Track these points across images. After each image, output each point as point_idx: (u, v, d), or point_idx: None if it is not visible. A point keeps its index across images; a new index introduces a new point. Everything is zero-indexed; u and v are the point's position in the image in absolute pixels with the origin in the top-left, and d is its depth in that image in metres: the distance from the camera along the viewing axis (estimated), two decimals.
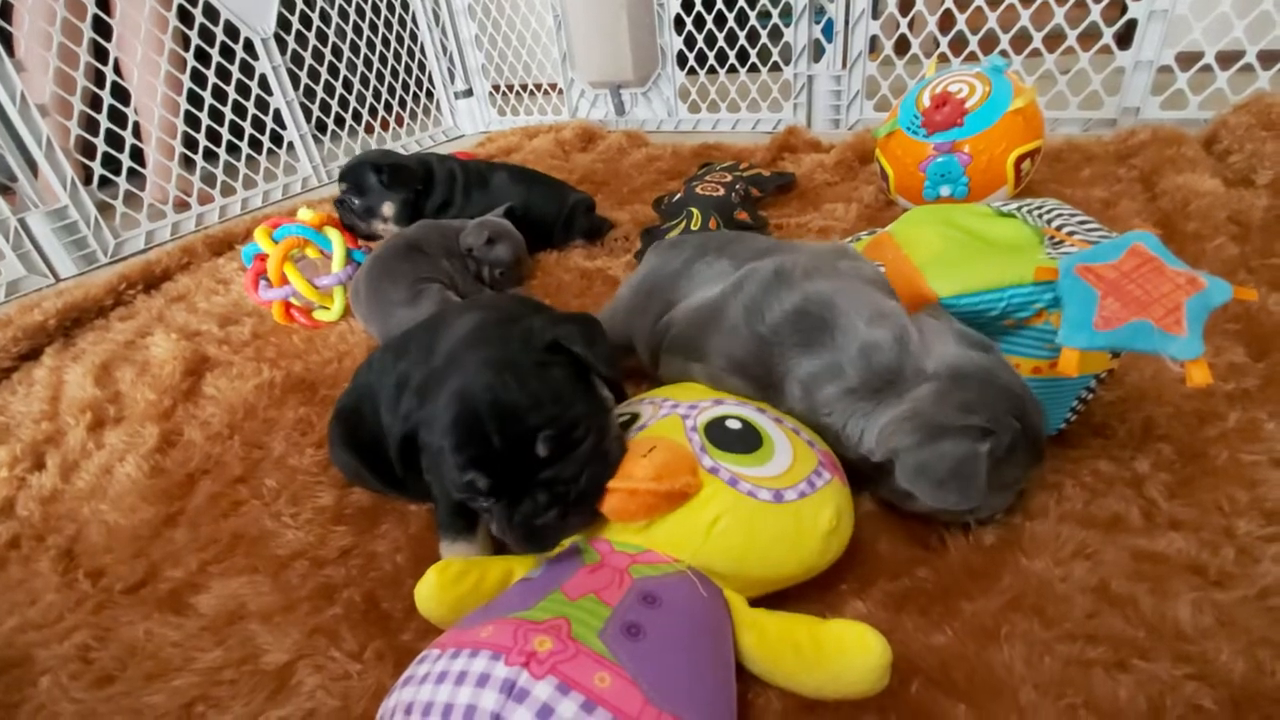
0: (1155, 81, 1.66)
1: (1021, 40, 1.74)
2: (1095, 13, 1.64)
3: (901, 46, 1.90)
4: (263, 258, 1.18)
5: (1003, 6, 1.74)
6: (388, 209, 1.38)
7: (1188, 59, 1.60)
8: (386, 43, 2.46)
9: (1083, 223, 0.66)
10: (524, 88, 2.65)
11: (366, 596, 0.66)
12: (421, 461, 0.55)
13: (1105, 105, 1.72)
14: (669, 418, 0.58)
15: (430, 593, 0.53)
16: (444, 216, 1.40)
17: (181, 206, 1.95)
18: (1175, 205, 1.17)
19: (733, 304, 0.65)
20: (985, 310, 0.61)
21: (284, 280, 1.18)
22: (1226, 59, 1.56)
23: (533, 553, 0.54)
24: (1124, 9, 1.63)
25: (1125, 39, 1.66)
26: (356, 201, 1.38)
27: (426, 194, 1.42)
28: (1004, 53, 1.73)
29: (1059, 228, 0.65)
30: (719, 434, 0.55)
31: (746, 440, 0.55)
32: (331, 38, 2.26)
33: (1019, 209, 0.70)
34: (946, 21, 1.80)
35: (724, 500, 0.51)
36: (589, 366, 0.57)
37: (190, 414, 1.00)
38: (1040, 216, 0.68)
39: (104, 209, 1.77)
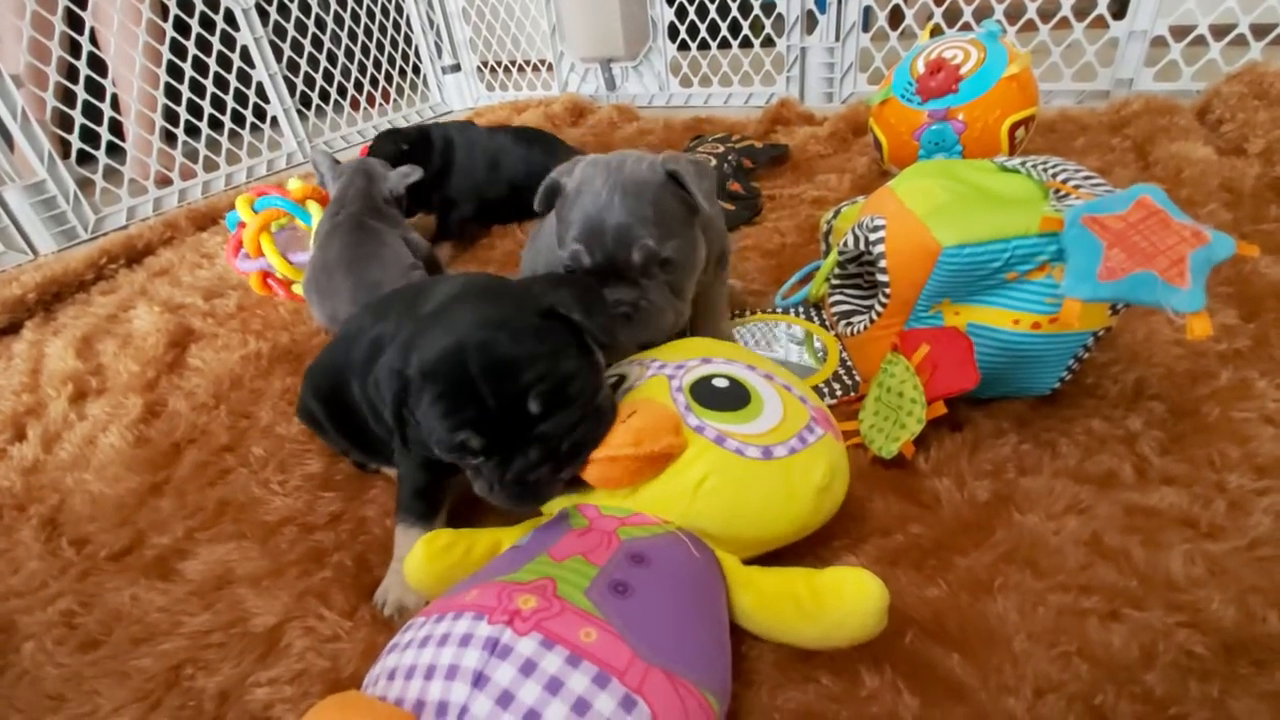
0: (1148, 54, 1.65)
1: (1015, 14, 1.72)
2: None
3: (895, 19, 1.88)
4: (244, 226, 1.16)
5: None
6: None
7: (1181, 31, 1.59)
8: (371, 15, 2.40)
9: (1087, 178, 0.65)
10: (513, 63, 2.61)
11: (357, 560, 0.65)
12: (409, 420, 0.54)
13: (1099, 77, 1.71)
14: (655, 378, 0.57)
15: (418, 564, 0.52)
16: (446, 183, 1.40)
17: (163, 182, 1.91)
18: (1168, 173, 1.17)
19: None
20: (989, 261, 0.60)
21: (260, 252, 1.16)
22: (1219, 31, 1.55)
23: (524, 508, 0.53)
24: None
25: (1119, 13, 1.64)
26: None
27: (424, 162, 1.37)
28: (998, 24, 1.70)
29: (1064, 181, 0.65)
30: (705, 393, 0.54)
31: (734, 398, 0.54)
32: (315, 9, 2.21)
33: (1022, 164, 0.69)
34: None
35: (710, 459, 0.50)
36: (585, 333, 0.55)
37: (175, 385, 0.99)
38: (1045, 171, 0.67)
39: (84, 185, 1.73)
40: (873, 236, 0.67)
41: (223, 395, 0.94)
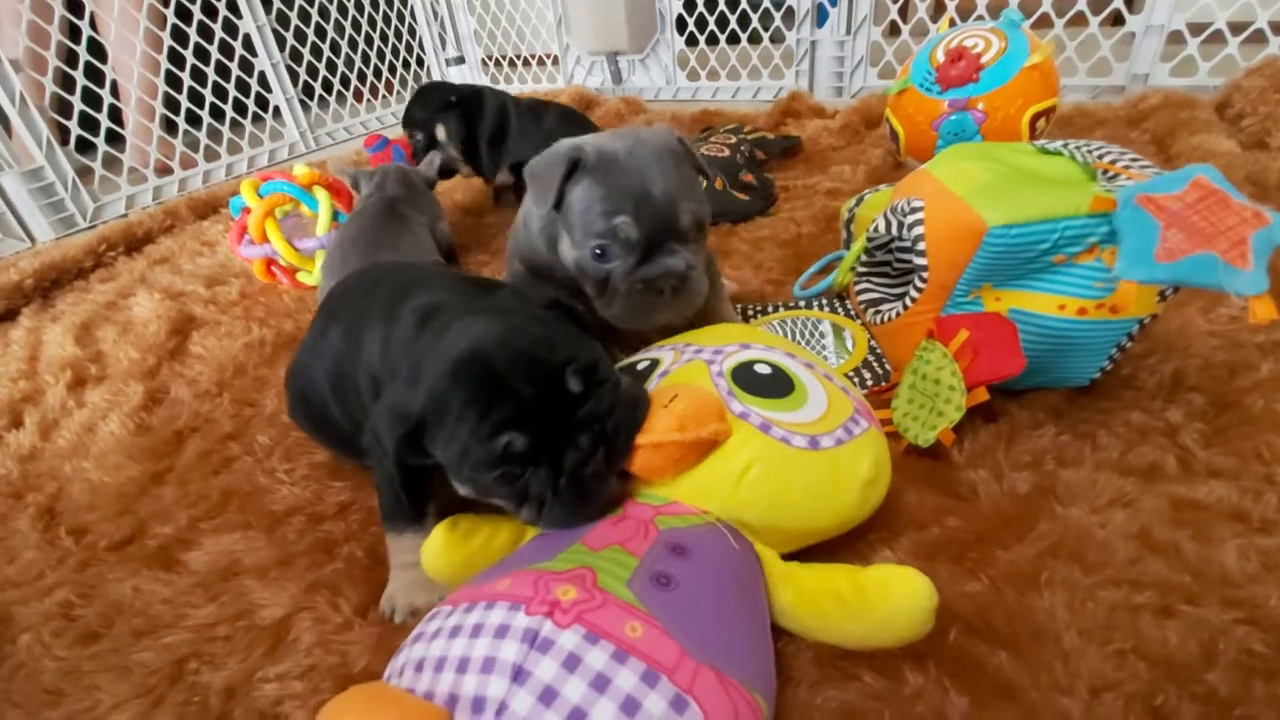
0: (1164, 50, 1.63)
1: (1029, 9, 1.70)
2: None
3: (907, 13, 1.86)
4: (249, 212, 1.13)
5: None
6: (440, 131, 1.36)
7: (1198, 28, 1.57)
8: (375, 5, 2.37)
9: (1134, 159, 0.63)
10: (518, 57, 2.58)
11: (368, 551, 0.62)
12: (434, 451, 0.48)
13: (1114, 72, 1.69)
14: (692, 363, 0.55)
15: (437, 550, 0.50)
16: (500, 148, 1.39)
17: (163, 171, 1.88)
18: None
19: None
20: (1037, 243, 0.57)
21: (265, 238, 1.13)
22: (1237, 28, 1.53)
23: (583, 521, 0.47)
24: None
25: (1130, 5, 1.62)
26: (419, 137, 1.37)
27: (475, 117, 1.39)
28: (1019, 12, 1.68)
29: (1112, 163, 0.62)
30: (747, 379, 0.52)
31: (777, 385, 0.52)
32: None
33: (1064, 145, 0.67)
34: None
35: (755, 447, 0.48)
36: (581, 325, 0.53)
37: (177, 372, 0.96)
38: (1090, 153, 0.65)
39: (83, 173, 1.70)
40: (910, 219, 0.65)
41: (226, 383, 0.92)
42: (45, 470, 0.79)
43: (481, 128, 1.39)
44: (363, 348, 0.57)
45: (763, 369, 0.52)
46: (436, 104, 1.36)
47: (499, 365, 0.45)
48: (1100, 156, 0.64)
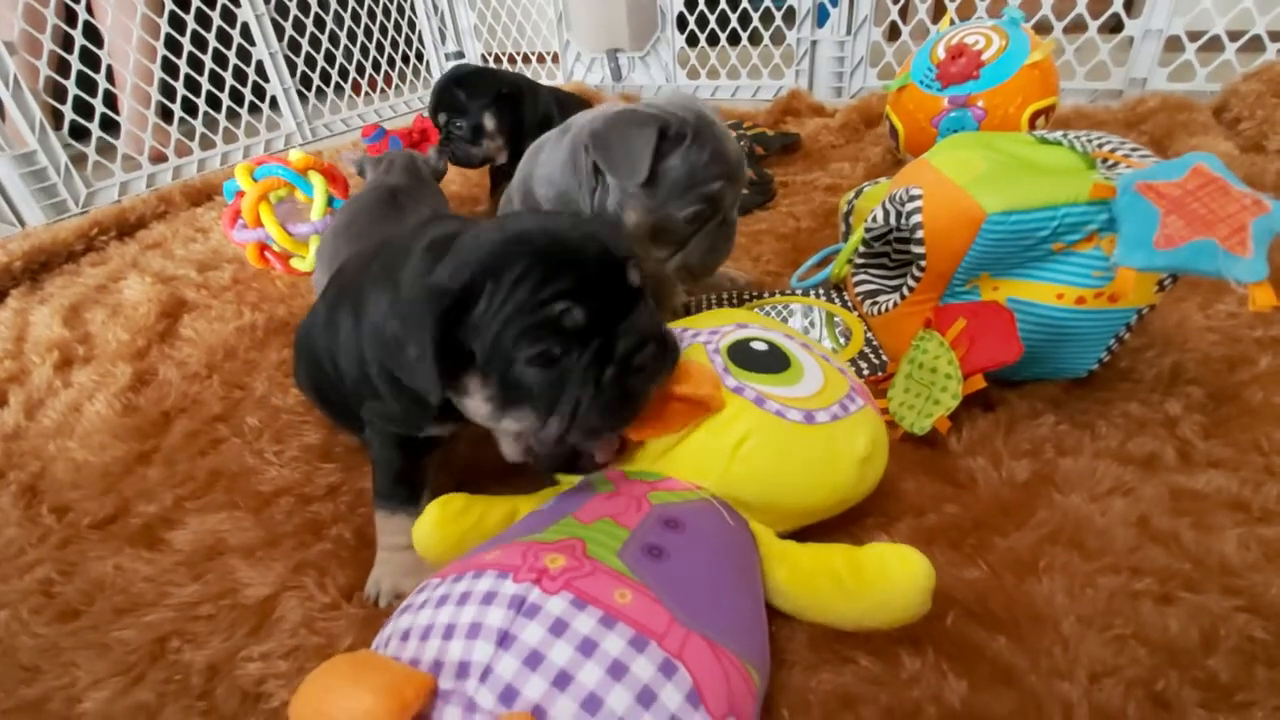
0: (1162, 56, 1.64)
1: (1028, 11, 1.71)
2: None
3: (907, 14, 1.86)
4: (243, 195, 1.12)
5: None
6: (489, 122, 1.28)
7: (1195, 34, 1.58)
8: None
9: (1134, 149, 0.63)
10: (518, 53, 2.58)
11: (356, 533, 0.61)
12: (469, 340, 0.44)
13: (1113, 76, 1.70)
14: (691, 345, 0.54)
15: (430, 528, 0.49)
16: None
17: (158, 159, 1.86)
18: None
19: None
20: (1036, 229, 0.57)
21: (259, 222, 1.12)
22: (1234, 35, 1.54)
23: (615, 425, 0.45)
24: None
25: (1129, 10, 1.63)
26: (461, 125, 1.29)
27: (520, 104, 1.32)
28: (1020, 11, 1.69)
29: (1111, 151, 0.62)
30: (743, 355, 0.51)
31: (773, 360, 0.51)
32: None
33: (1063, 136, 0.66)
34: None
35: (750, 419, 0.47)
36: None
37: (166, 354, 0.94)
38: (1090, 143, 0.65)
39: (76, 159, 1.68)
40: (908, 207, 0.65)
41: (216, 365, 0.90)
42: (29, 449, 0.78)
43: (529, 120, 1.32)
44: (367, 312, 0.54)
45: (759, 345, 0.52)
46: (489, 93, 1.28)
47: (565, 237, 0.43)
48: (1100, 145, 0.64)
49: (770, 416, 0.46)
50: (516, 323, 0.41)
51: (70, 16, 1.64)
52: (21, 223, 1.61)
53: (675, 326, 0.58)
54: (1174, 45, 1.61)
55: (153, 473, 0.72)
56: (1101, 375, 0.68)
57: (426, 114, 1.38)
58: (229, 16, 1.92)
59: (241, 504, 0.66)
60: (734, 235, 0.73)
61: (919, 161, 0.70)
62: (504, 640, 0.33)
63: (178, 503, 0.67)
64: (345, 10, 2.26)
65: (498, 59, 2.64)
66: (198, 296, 1.10)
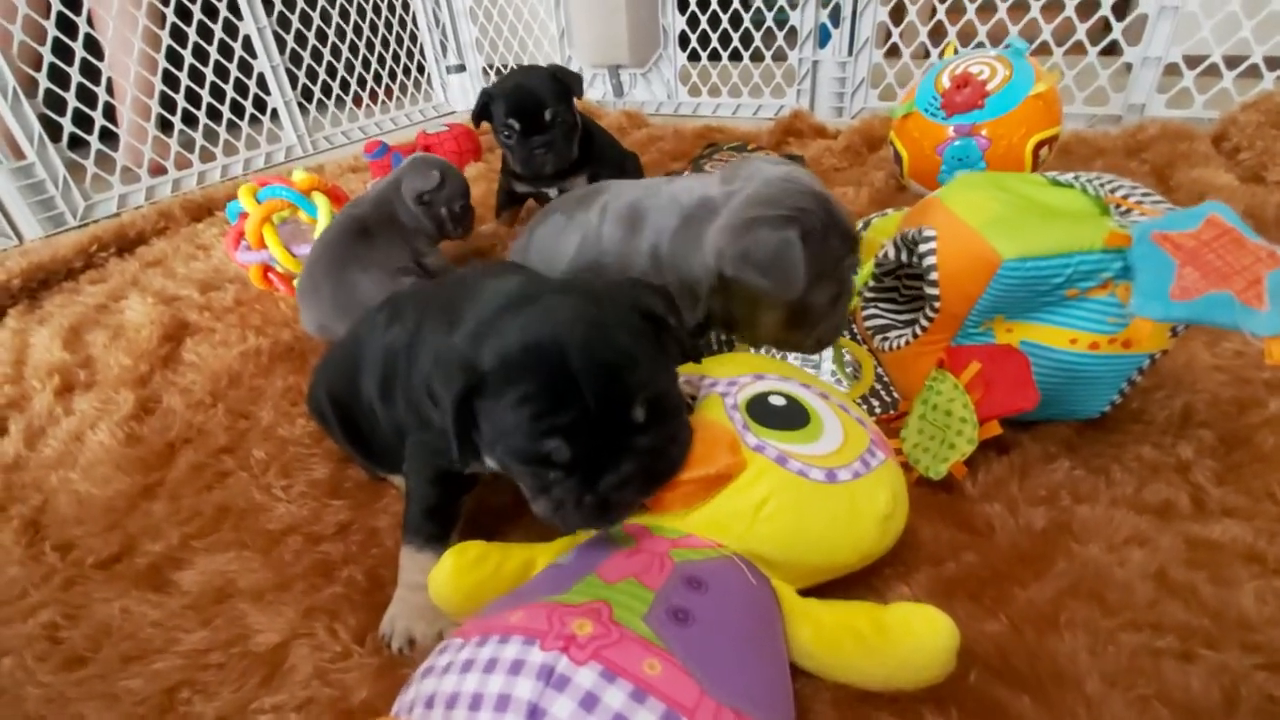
0: (1160, 82, 1.66)
1: (1029, 36, 1.72)
2: (1106, 6, 1.63)
3: (908, 37, 1.88)
4: (246, 216, 1.11)
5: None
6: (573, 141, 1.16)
7: (1194, 60, 1.60)
8: (377, 10, 2.36)
9: (1146, 194, 0.63)
10: (519, 66, 2.58)
11: (369, 575, 0.60)
12: (478, 416, 0.46)
13: (1111, 101, 1.72)
14: (708, 397, 0.54)
15: (445, 577, 0.48)
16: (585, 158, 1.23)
17: (157, 171, 1.85)
18: (1191, 199, 1.15)
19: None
20: (1050, 276, 0.57)
21: (263, 244, 1.11)
22: (1232, 62, 1.56)
23: (594, 528, 0.47)
24: (1093, 7, 1.62)
25: (1112, 42, 1.65)
26: (564, 118, 1.14)
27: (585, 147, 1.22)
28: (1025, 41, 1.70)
29: (1124, 197, 0.62)
30: (762, 411, 0.51)
31: (793, 417, 0.51)
32: (320, 1, 2.17)
33: (1075, 178, 0.67)
34: (955, 13, 1.78)
35: (772, 480, 0.47)
36: (673, 340, 0.50)
37: (169, 380, 0.93)
38: (1102, 187, 0.65)
39: (74, 170, 1.67)
40: (922, 248, 0.65)
41: (220, 393, 0.89)
42: (30, 480, 0.77)
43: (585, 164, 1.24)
44: (422, 355, 0.55)
45: (778, 400, 0.51)
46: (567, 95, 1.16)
47: (575, 364, 0.43)
48: (1113, 190, 0.64)
49: (792, 476, 0.46)
50: (512, 439, 0.44)
51: (70, 28, 1.63)
52: (18, 235, 1.59)
53: (693, 372, 0.58)
54: (1172, 70, 1.63)
55: (158, 508, 0.71)
56: (1113, 416, 0.68)
57: (468, 123, 1.32)
58: (230, 29, 1.92)
59: (250, 543, 0.65)
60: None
61: (931, 200, 0.70)
62: (534, 714, 0.32)
63: (184, 541, 0.66)
64: (347, 23, 2.26)
65: (499, 72, 2.64)
66: (200, 319, 1.09)
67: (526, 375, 0.43)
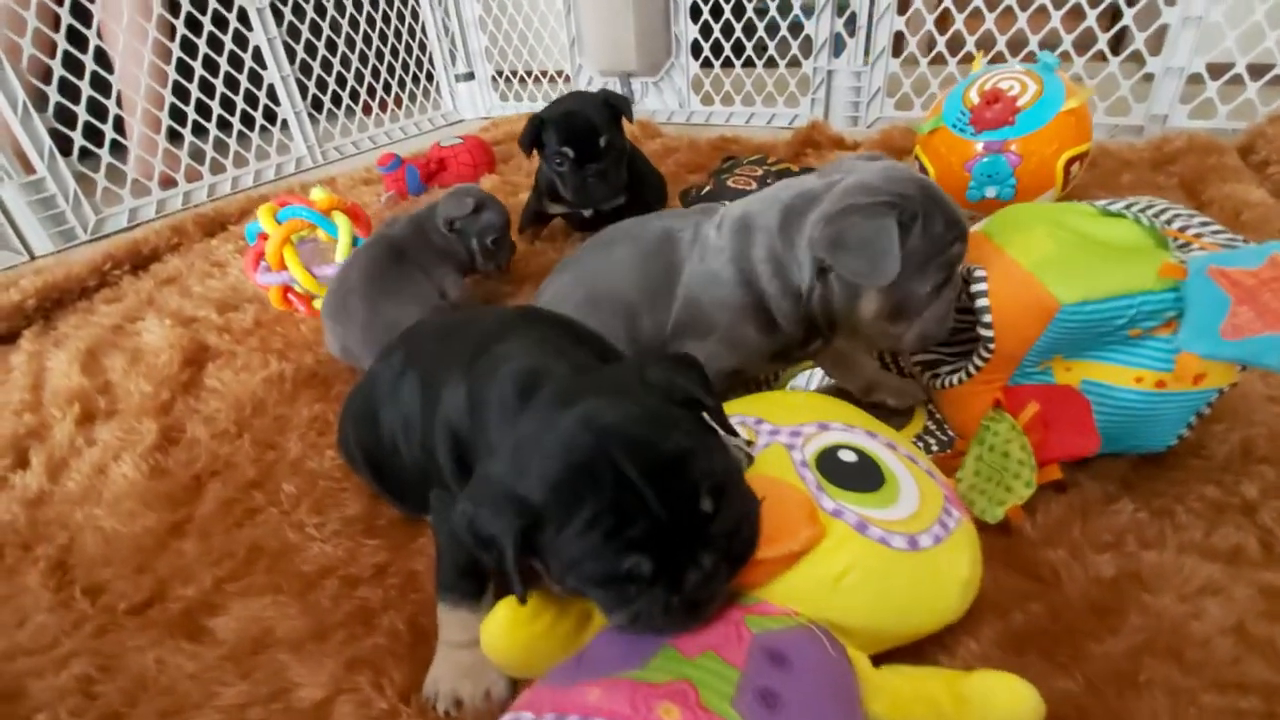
0: (1184, 91, 1.64)
1: (1050, 45, 1.71)
2: (1128, 16, 1.61)
3: (925, 46, 1.86)
4: (265, 237, 1.10)
5: (1033, 8, 1.70)
6: (603, 140, 1.12)
7: (1218, 69, 1.58)
8: (386, 19, 2.35)
9: (1205, 224, 0.61)
10: (529, 73, 2.56)
11: (410, 623, 0.59)
12: (541, 553, 0.43)
13: (1133, 111, 1.70)
14: (771, 448, 0.52)
15: (500, 630, 0.46)
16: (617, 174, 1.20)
17: (168, 183, 1.83)
18: (1226, 215, 1.14)
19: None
20: (1112, 319, 0.55)
21: (283, 265, 1.09)
22: (1257, 71, 1.54)
23: (686, 630, 0.42)
24: (1115, 15, 1.60)
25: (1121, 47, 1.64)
26: (617, 144, 1.13)
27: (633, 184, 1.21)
28: (1031, 55, 1.69)
29: (1181, 229, 0.61)
30: (834, 467, 0.49)
31: (867, 475, 0.49)
32: (330, 11, 2.15)
33: (1127, 208, 0.65)
34: (974, 21, 1.76)
35: (853, 550, 0.45)
36: (715, 421, 0.48)
37: (192, 408, 0.91)
38: (1157, 216, 0.63)
39: (84, 183, 1.65)
40: (974, 289, 0.63)
41: (245, 422, 0.88)
42: (54, 517, 0.75)
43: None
44: (441, 399, 0.54)
45: (848, 455, 0.49)
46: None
47: (631, 473, 0.40)
48: (1169, 221, 0.62)
49: (874, 545, 0.44)
50: (586, 567, 0.41)
51: (79, 41, 1.61)
52: (29, 251, 1.58)
53: (749, 415, 0.56)
54: (1196, 80, 1.61)
55: (188, 547, 0.69)
56: (1171, 452, 0.66)
57: (473, 138, 1.35)
58: (240, 40, 1.90)
59: (285, 586, 0.63)
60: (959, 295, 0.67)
61: (978, 236, 0.68)
62: None
63: (217, 584, 0.64)
64: (356, 33, 2.25)
65: (508, 79, 2.63)
66: (220, 342, 1.07)
67: (586, 500, 0.40)
